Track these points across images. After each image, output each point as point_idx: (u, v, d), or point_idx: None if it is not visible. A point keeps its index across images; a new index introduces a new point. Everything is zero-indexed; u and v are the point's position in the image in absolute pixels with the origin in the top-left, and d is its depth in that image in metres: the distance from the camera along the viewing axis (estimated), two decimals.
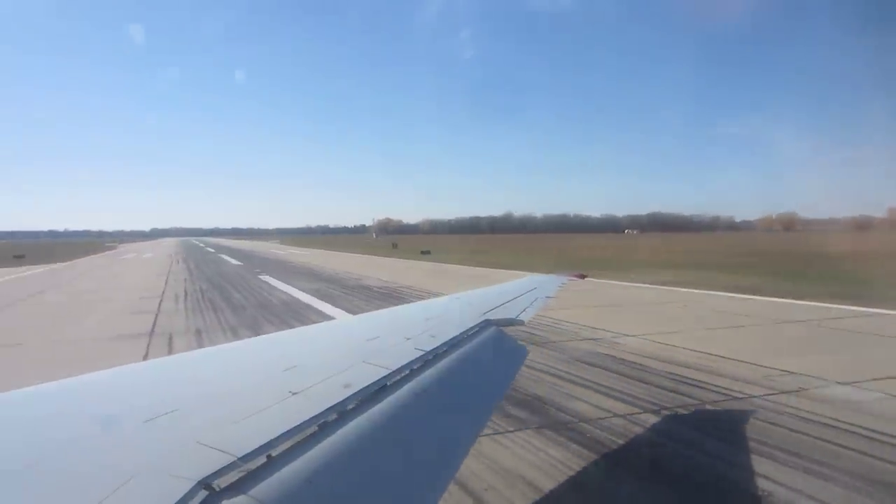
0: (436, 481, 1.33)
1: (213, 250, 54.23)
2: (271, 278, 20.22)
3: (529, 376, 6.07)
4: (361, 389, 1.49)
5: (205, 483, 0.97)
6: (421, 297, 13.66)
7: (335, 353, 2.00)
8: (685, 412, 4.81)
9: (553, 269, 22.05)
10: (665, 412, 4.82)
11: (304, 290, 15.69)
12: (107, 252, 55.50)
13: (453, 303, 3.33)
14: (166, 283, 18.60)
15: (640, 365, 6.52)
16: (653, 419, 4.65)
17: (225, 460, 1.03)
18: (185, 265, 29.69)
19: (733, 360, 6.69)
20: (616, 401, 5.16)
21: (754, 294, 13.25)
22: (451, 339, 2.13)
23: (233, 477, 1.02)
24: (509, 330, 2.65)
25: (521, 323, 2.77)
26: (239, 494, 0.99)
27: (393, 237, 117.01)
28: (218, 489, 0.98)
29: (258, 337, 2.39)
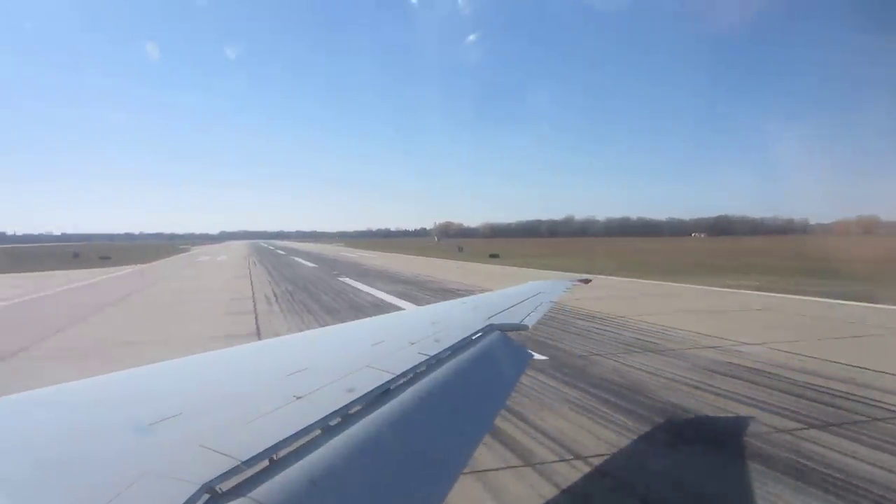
0: (439, 485, 1.34)
1: (283, 252, 55.61)
2: (351, 280, 20.55)
3: (659, 384, 5.81)
4: (366, 394, 1.50)
5: (208, 487, 0.96)
6: None
7: (339, 357, 1.98)
8: (857, 428, 4.45)
9: (631, 272, 21.49)
10: (832, 427, 4.47)
11: (388, 293, 15.84)
12: (182, 254, 57.24)
13: (457, 307, 3.32)
14: (252, 286, 19.14)
15: (775, 375, 6.12)
16: (825, 436, 4.30)
17: (229, 464, 1.03)
18: (263, 267, 30.58)
19: (876, 371, 6.20)
20: (769, 413, 4.83)
21: (853, 300, 12.36)
22: (454, 344, 2.12)
23: (236, 480, 1.02)
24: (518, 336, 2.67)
25: (526, 328, 2.73)
26: (241, 497, 0.99)
27: (454, 240, 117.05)
28: (221, 492, 0.98)
29: (262, 341, 2.41)
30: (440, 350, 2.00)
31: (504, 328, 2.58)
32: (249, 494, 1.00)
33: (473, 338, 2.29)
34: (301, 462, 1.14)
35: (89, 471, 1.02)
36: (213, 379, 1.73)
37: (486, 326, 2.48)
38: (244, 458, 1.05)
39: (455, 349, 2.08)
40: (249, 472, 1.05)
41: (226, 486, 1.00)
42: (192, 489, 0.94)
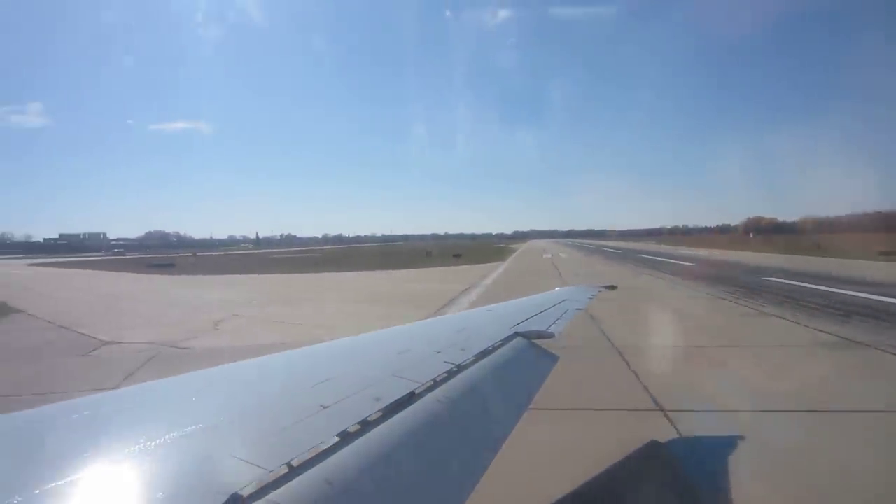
0: (458, 491, 1.30)
1: (617, 251, 53.63)
2: (800, 282, 18.09)
3: None
4: (391, 403, 1.48)
5: (237, 497, 0.96)
6: None
7: (366, 366, 1.97)
8: None
9: None
10: None
11: None
12: (514, 254, 53.83)
13: (483, 316, 3.24)
14: (681, 289, 18.63)
15: None
16: None
17: (257, 474, 1.03)
18: (635, 266, 29.75)
19: None
20: None
21: None
22: (480, 352, 2.11)
23: (264, 490, 1.01)
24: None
25: (551, 335, 2.67)
26: None
27: (766, 237, 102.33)
28: (246, 500, 0.97)
29: (289, 351, 2.20)
30: (466, 358, 1.99)
31: (530, 335, 2.56)
32: (275, 501, 1.00)
33: (499, 346, 2.28)
34: (328, 471, 1.12)
35: (120, 480, 1.01)
36: (242, 389, 1.71)
37: (512, 334, 2.48)
38: (272, 468, 1.05)
39: (480, 357, 2.07)
40: (277, 482, 1.04)
41: (254, 495, 0.98)
42: (221, 500, 0.93)
